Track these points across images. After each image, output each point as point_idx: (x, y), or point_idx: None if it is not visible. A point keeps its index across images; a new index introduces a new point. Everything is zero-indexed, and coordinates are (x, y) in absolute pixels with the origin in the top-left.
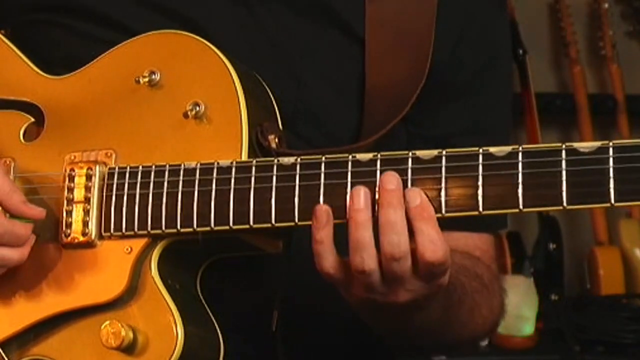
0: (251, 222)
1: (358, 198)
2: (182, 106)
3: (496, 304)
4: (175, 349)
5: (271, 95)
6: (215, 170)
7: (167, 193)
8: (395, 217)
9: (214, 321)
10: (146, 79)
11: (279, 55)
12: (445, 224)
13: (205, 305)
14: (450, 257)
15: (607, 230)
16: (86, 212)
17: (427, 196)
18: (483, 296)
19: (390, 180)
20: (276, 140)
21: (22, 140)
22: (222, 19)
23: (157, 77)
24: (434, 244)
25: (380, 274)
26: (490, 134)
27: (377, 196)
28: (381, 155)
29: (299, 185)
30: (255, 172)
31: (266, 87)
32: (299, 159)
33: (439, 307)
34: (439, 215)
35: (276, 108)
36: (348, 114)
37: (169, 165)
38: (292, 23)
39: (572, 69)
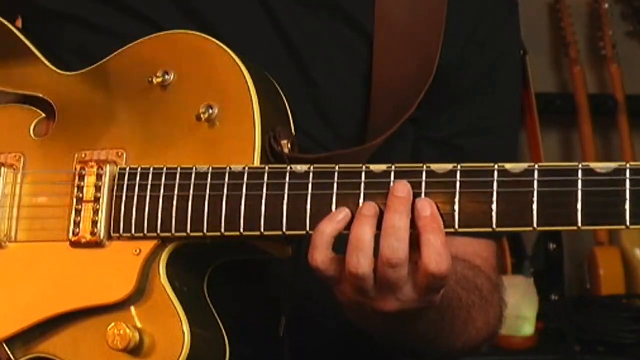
0: (262, 229)
1: (369, 206)
2: (195, 108)
3: (493, 316)
4: (181, 351)
5: (284, 99)
6: (227, 175)
7: (177, 196)
8: (400, 223)
9: (220, 324)
10: (159, 79)
11: (290, 53)
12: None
13: (212, 308)
14: (450, 271)
15: (607, 231)
16: (95, 212)
17: (439, 210)
18: (480, 310)
19: (401, 189)
20: (289, 145)
21: (33, 136)
22: (235, 16)
23: (170, 77)
24: (439, 256)
25: (373, 280)
26: (496, 136)
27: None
28: (395, 167)
29: (311, 194)
30: (268, 178)
31: (280, 90)
32: (311, 167)
33: (427, 322)
34: (452, 229)
35: (289, 112)
36: (356, 112)
37: (180, 168)
38: (302, 21)
39: (572, 69)
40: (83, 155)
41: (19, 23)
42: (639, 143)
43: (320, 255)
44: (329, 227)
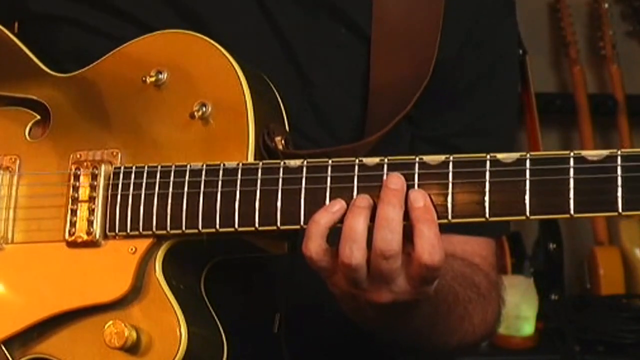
0: (256, 225)
1: (363, 198)
2: (189, 106)
3: (491, 313)
4: (178, 349)
5: (278, 96)
6: (221, 172)
7: (172, 194)
8: (393, 215)
9: (217, 322)
10: (153, 79)
11: (287, 53)
12: (446, 227)
13: (209, 306)
14: (444, 263)
15: (607, 230)
16: (91, 211)
17: (432, 201)
18: (477, 306)
19: (394, 182)
20: (282, 141)
21: (28, 138)
22: (233, 18)
23: (163, 77)
24: (432, 247)
25: (366, 271)
26: (493, 136)
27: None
28: (388, 160)
29: (305, 189)
30: (262, 174)
31: (273, 88)
32: (305, 162)
33: (421, 316)
34: (445, 220)
35: (283, 109)
36: (353, 112)
37: (175, 166)
38: (300, 21)
39: (572, 69)
40: (78, 156)
41: (14, 29)
42: (639, 143)
43: (314, 245)
44: (324, 218)
